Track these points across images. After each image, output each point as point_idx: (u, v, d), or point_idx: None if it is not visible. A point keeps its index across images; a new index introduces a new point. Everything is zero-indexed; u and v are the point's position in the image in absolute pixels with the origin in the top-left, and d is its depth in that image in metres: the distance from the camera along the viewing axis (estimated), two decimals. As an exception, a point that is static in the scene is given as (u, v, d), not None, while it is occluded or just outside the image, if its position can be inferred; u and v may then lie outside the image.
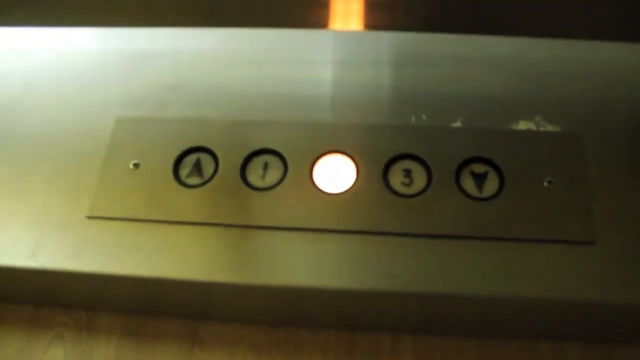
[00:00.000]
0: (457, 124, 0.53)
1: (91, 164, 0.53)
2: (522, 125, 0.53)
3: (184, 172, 0.52)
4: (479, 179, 0.51)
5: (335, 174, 0.51)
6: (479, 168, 0.51)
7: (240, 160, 0.52)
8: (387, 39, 0.60)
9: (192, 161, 0.53)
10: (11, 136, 0.56)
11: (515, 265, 0.47)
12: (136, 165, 0.53)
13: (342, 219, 0.49)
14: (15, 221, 0.51)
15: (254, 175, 0.52)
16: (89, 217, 0.51)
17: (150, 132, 0.54)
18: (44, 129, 0.56)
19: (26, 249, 0.50)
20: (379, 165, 0.51)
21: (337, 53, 0.59)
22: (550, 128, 0.53)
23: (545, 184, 0.50)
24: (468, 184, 0.51)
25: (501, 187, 0.50)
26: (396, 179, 0.51)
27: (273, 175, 0.51)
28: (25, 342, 0.53)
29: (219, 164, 0.52)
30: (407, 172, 0.51)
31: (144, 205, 0.51)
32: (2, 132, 0.56)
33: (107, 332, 0.53)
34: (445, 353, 0.51)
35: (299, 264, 0.48)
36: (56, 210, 0.51)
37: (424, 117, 0.54)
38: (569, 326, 0.50)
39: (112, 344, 0.52)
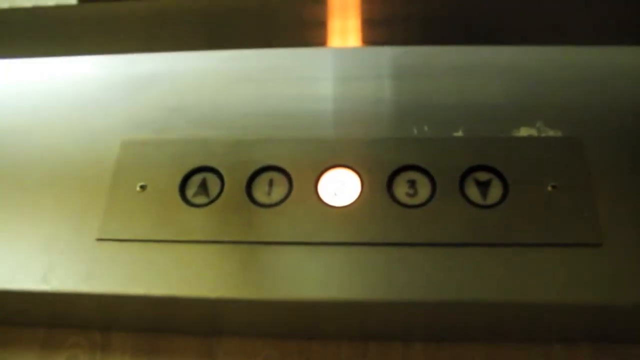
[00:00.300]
0: (459, 134, 0.54)
1: (98, 187, 0.54)
2: (524, 131, 0.54)
3: (190, 192, 0.53)
4: (483, 186, 0.51)
5: (340, 187, 0.52)
6: (483, 176, 0.52)
7: (245, 178, 0.53)
8: (386, 52, 0.60)
9: (198, 181, 0.53)
10: (19, 163, 0.57)
11: (522, 270, 0.47)
12: (143, 187, 0.53)
13: (348, 231, 0.50)
14: (26, 246, 0.52)
15: (260, 192, 0.52)
16: (99, 240, 0.51)
17: (156, 154, 0.55)
18: (51, 155, 0.57)
19: (38, 273, 0.50)
20: (383, 177, 0.52)
21: (337, 69, 0.60)
22: (551, 133, 0.53)
23: (549, 188, 0.50)
24: (472, 192, 0.51)
25: (505, 193, 0.51)
26: (401, 190, 0.51)
27: (278, 191, 0.52)
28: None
29: (225, 182, 0.53)
30: (412, 183, 0.52)
31: (152, 226, 0.51)
32: (11, 159, 0.57)
33: (121, 351, 0.53)
34: (457, 359, 0.51)
35: (308, 278, 0.48)
36: (66, 234, 0.52)
37: (425, 128, 0.55)
38: (579, 328, 0.50)
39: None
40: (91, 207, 0.53)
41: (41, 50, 0.52)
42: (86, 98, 0.60)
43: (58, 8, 0.45)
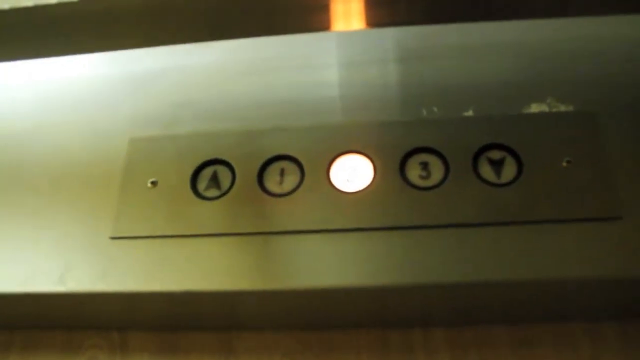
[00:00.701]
0: (469, 113, 0.53)
1: (109, 186, 0.54)
2: (535, 108, 0.53)
3: (201, 185, 0.53)
4: (497, 165, 0.50)
5: (352, 173, 0.51)
6: (496, 154, 0.51)
7: (256, 169, 0.52)
8: (390, 35, 0.60)
9: (208, 174, 0.53)
10: (28, 167, 0.57)
11: (542, 247, 0.47)
12: (154, 183, 0.53)
13: (363, 217, 0.49)
14: (41, 249, 0.52)
15: (272, 182, 0.52)
16: (113, 238, 0.51)
17: (165, 149, 0.55)
18: (61, 157, 0.57)
19: (54, 275, 0.50)
20: (395, 160, 0.51)
21: (341, 54, 0.59)
22: (563, 108, 0.53)
23: (564, 164, 0.49)
24: (486, 171, 0.50)
25: (520, 171, 0.50)
26: (413, 173, 0.51)
27: (290, 180, 0.52)
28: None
29: (236, 174, 0.52)
30: (424, 165, 0.51)
31: (165, 222, 0.51)
32: (19, 163, 0.57)
33: (140, 351, 0.53)
34: (479, 343, 0.50)
35: (324, 266, 0.48)
36: (80, 234, 0.52)
37: (435, 109, 0.54)
38: (603, 305, 0.50)
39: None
40: (103, 206, 0.53)
41: (44, 50, 0.52)
42: (91, 98, 0.60)
43: (60, 5, 0.45)
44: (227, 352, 0.52)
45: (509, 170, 0.50)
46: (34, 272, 0.51)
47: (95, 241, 0.51)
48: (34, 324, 0.55)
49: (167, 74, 0.60)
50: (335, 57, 0.59)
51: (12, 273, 0.51)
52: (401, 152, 0.51)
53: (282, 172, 0.52)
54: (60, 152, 0.57)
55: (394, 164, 0.51)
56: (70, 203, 0.54)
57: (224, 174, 0.53)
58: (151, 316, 0.53)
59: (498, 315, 0.51)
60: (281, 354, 0.52)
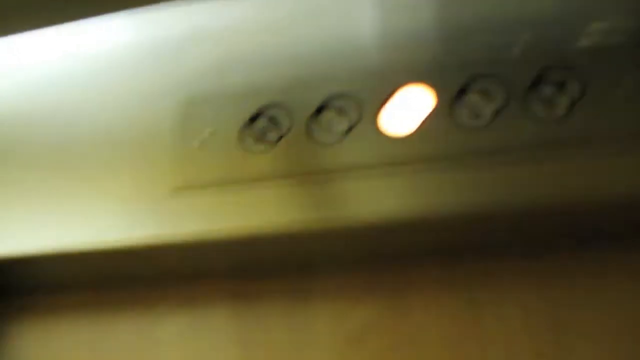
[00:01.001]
0: (525, 40, 0.51)
1: (165, 143, 0.54)
2: (595, 27, 0.50)
3: (255, 133, 0.53)
4: (556, 91, 0.49)
5: (408, 108, 0.50)
6: (556, 78, 0.49)
7: (310, 111, 0.52)
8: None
9: (261, 122, 0.53)
10: (88, 135, 0.58)
11: (603, 168, 0.45)
12: (208, 136, 0.53)
13: (419, 151, 0.49)
14: (107, 208, 0.54)
15: (326, 123, 0.51)
16: (173, 190, 0.52)
17: (215, 104, 0.55)
18: (115, 123, 0.57)
19: (121, 230, 0.52)
20: (452, 91, 0.49)
21: None
22: (624, 25, 0.50)
23: (629, 81, 0.47)
24: (545, 96, 0.48)
25: (582, 93, 0.48)
26: (471, 103, 0.49)
27: (345, 120, 0.51)
28: (142, 321, 0.56)
29: (289, 119, 0.52)
30: (482, 94, 0.50)
31: (223, 170, 0.52)
32: (78, 130, 0.58)
33: (212, 301, 0.55)
34: (544, 272, 0.50)
35: (384, 199, 0.48)
36: (142, 190, 0.53)
37: (488, 38, 0.52)
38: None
39: (225, 312, 0.54)
40: (161, 161, 0.54)
41: (74, 11, 0.52)
42: (136, 64, 0.59)
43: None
44: (305, 295, 0.53)
45: (569, 96, 0.48)
46: (102, 229, 0.53)
47: (157, 194, 0.53)
48: (106, 283, 0.57)
49: (207, 32, 0.58)
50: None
51: (80, 231, 0.53)
52: (459, 83, 0.50)
53: (336, 113, 0.52)
54: (115, 118, 0.57)
55: (450, 95, 0.49)
56: (132, 159, 0.55)
57: (277, 120, 0.53)
58: (225, 265, 0.55)
59: (566, 241, 0.50)
60: (359, 292, 0.52)
